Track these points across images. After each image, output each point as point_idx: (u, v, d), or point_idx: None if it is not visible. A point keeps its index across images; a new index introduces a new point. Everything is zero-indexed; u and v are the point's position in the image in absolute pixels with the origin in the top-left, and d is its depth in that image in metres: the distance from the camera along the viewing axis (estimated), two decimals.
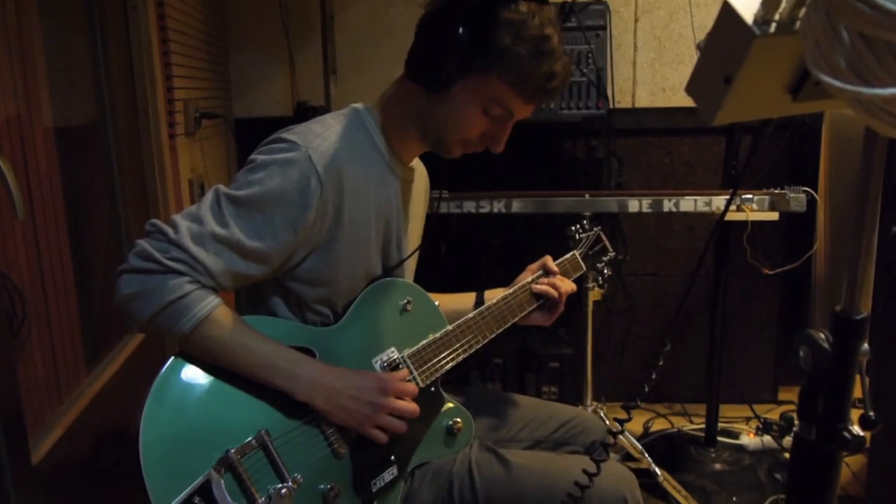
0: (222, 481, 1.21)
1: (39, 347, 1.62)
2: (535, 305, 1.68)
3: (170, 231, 1.24)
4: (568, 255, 1.80)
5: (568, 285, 1.69)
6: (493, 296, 1.66)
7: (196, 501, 1.19)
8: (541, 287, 1.67)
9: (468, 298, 1.73)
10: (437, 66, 1.35)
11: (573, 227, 1.89)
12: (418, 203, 1.65)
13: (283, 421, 1.31)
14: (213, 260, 1.25)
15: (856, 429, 0.91)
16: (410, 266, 1.64)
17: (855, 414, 0.92)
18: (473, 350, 1.57)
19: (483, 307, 1.61)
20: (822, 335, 0.91)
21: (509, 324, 1.65)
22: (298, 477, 1.29)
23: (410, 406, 1.38)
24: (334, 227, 1.37)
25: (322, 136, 1.36)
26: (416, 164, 1.62)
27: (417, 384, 1.47)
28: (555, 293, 1.67)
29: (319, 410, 1.32)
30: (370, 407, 1.34)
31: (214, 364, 1.28)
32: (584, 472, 1.42)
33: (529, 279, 1.69)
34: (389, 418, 1.36)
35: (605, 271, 1.93)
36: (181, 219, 1.27)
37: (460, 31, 1.32)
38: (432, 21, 1.36)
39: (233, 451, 1.23)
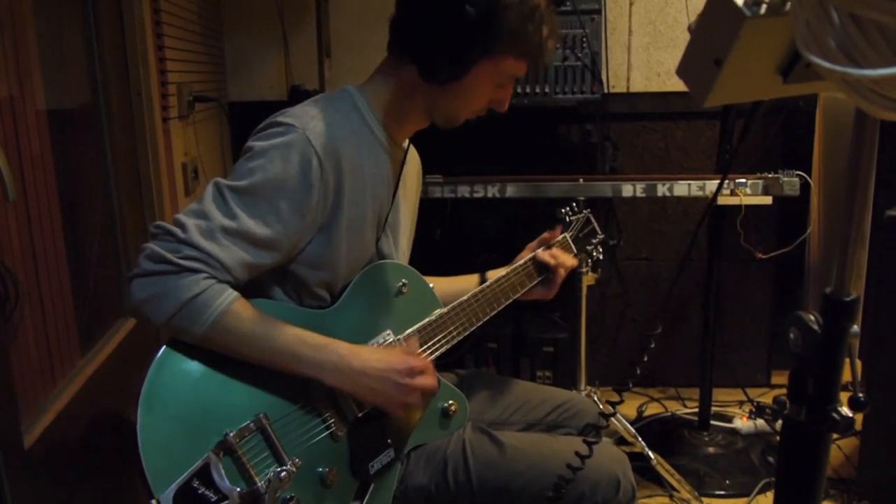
0: (221, 465, 1.22)
1: (32, 330, 1.61)
2: (536, 280, 1.71)
3: (178, 231, 1.23)
4: (559, 238, 1.81)
5: (569, 259, 1.73)
6: (496, 276, 1.69)
7: (195, 485, 1.20)
8: (545, 256, 1.71)
9: (472, 280, 1.75)
10: (453, 64, 1.36)
11: (563, 210, 1.90)
12: (411, 184, 1.65)
13: (282, 404, 1.32)
14: (227, 253, 1.25)
15: (845, 410, 0.91)
16: (404, 250, 1.64)
17: (846, 396, 0.92)
18: (471, 330, 1.59)
19: (480, 287, 1.63)
20: (812, 317, 0.91)
21: (510, 300, 1.67)
22: (297, 460, 1.30)
23: (432, 381, 1.39)
24: (335, 208, 1.37)
25: (317, 117, 1.35)
26: (408, 145, 1.62)
27: None
28: (554, 262, 1.71)
29: (347, 393, 1.35)
30: (397, 388, 1.35)
31: (238, 358, 1.27)
32: (577, 454, 1.43)
33: (529, 256, 1.73)
34: (415, 398, 1.37)
35: (595, 254, 1.94)
36: (186, 217, 1.25)
37: (469, 23, 1.31)
38: (430, 17, 1.34)
39: (231, 434, 1.24)
